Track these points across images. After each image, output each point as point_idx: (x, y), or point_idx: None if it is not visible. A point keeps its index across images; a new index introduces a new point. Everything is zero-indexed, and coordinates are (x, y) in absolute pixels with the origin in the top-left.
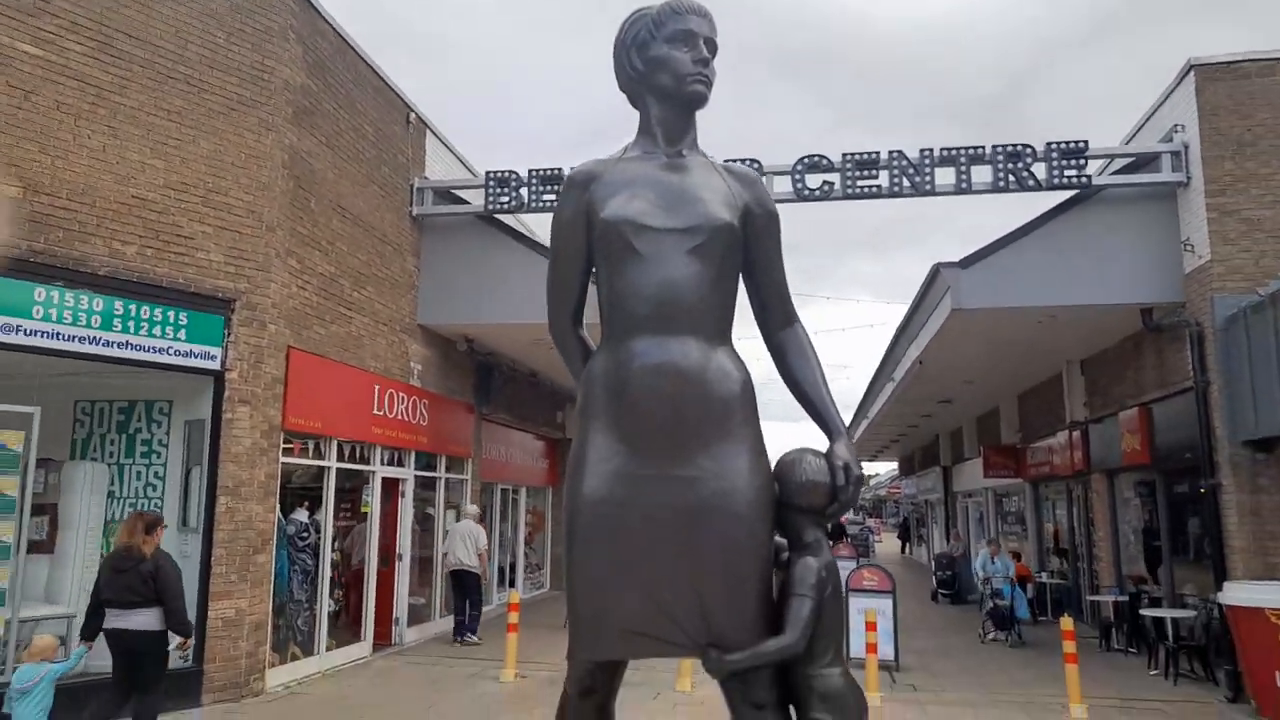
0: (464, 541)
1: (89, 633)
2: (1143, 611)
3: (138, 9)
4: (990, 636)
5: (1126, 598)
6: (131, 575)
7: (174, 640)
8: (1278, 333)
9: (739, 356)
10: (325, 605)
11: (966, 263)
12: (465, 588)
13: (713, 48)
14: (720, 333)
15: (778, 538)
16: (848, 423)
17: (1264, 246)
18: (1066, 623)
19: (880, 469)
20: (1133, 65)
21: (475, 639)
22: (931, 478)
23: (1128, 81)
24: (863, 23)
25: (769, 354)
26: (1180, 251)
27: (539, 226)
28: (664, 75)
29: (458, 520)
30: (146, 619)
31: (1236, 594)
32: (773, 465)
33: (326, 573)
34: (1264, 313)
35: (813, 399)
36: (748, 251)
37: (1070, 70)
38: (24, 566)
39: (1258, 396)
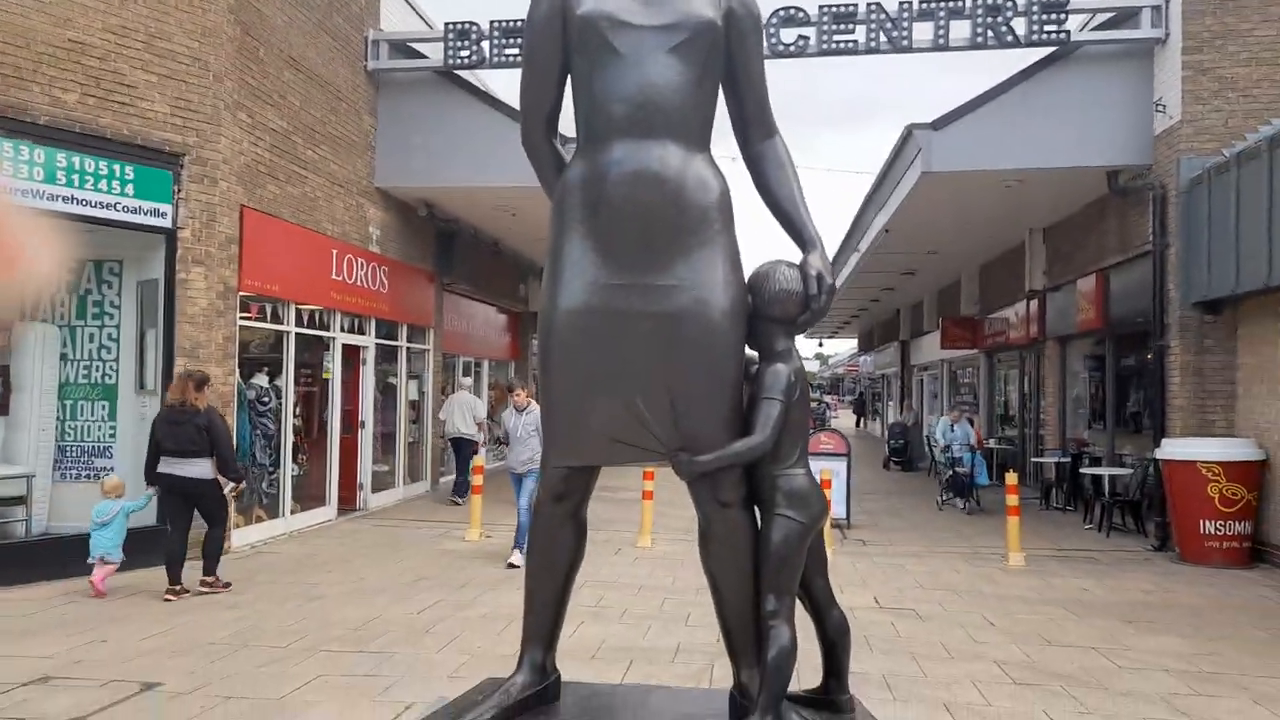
0: (461, 411)
1: (153, 478)
2: (1083, 470)
3: None
4: (948, 502)
5: (1069, 459)
6: (187, 427)
7: (227, 485)
8: (1239, 193)
9: (716, 165)
10: (289, 469)
11: (939, 124)
12: (463, 454)
13: None
14: (700, 139)
15: (749, 350)
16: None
17: (1235, 106)
18: (1011, 478)
19: (840, 347)
20: None
21: (460, 501)
22: (889, 352)
23: None
24: None
25: (745, 166)
26: (1152, 112)
27: (501, 84)
28: None
29: (453, 393)
30: (201, 468)
31: (1173, 449)
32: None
33: (289, 438)
34: (1227, 174)
35: (788, 210)
36: (729, 56)
37: None
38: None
39: (1212, 257)
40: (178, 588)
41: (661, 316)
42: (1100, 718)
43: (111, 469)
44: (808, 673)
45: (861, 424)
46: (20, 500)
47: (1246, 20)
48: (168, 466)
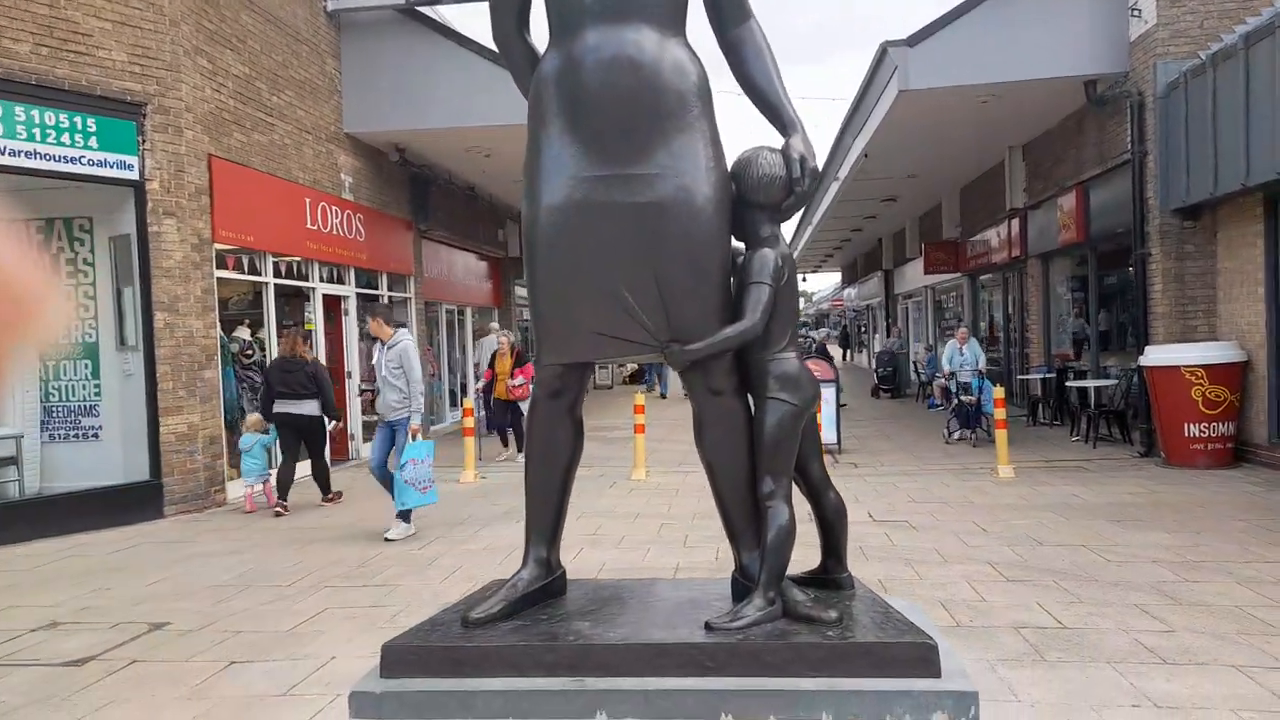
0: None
1: (269, 416)
2: (1068, 383)
3: None
4: (956, 436)
5: (1054, 374)
6: (299, 374)
7: (330, 422)
8: (1215, 94)
9: (693, 49)
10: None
11: (914, 40)
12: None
13: None
14: (674, 21)
15: (735, 243)
16: (792, 232)
17: (1210, 7)
18: (998, 392)
19: (823, 283)
20: None
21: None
22: (873, 283)
23: None
24: None
25: (721, 51)
26: (1127, 18)
27: (467, 22)
28: None
29: (484, 336)
30: (311, 407)
31: (1156, 355)
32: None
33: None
34: (1203, 76)
35: (767, 94)
36: None
37: None
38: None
39: (1191, 163)
40: (286, 503)
41: (644, 206)
42: (1092, 605)
43: (100, 427)
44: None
45: (848, 356)
46: (12, 461)
47: None
48: (283, 406)
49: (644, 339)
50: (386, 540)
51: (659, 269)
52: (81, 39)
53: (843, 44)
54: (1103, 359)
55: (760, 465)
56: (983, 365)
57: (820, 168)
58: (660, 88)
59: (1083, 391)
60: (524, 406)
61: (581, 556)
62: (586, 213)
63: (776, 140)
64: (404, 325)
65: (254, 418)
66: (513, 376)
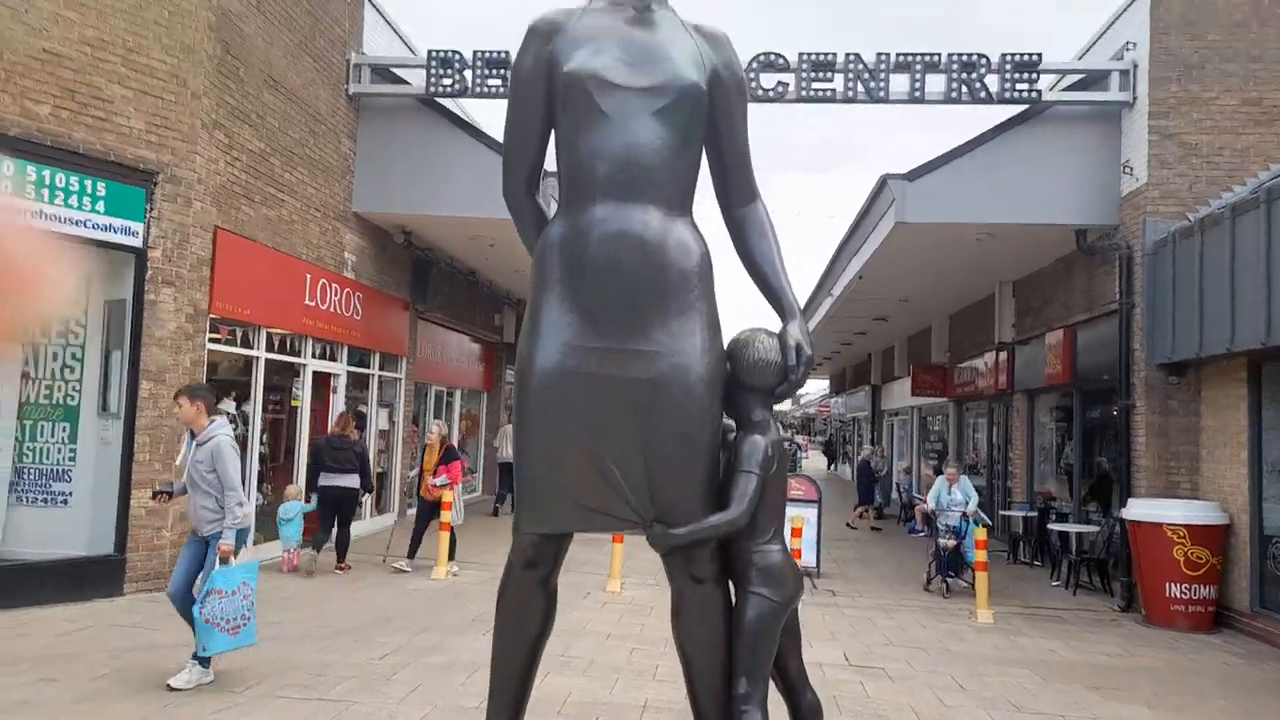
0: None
1: (313, 487)
2: (1050, 526)
3: None
4: (938, 582)
5: (1036, 513)
6: (346, 452)
7: (364, 495)
8: (1202, 258)
9: (698, 229)
10: (253, 498)
11: (913, 175)
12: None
13: None
14: (682, 202)
15: (726, 419)
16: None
17: (1199, 172)
18: (980, 534)
19: (810, 388)
20: None
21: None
22: (861, 396)
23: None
24: None
25: (726, 229)
26: (1119, 174)
27: (483, 114)
28: None
29: (508, 422)
30: (352, 480)
31: (1139, 510)
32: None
33: (255, 465)
34: (1191, 238)
35: (768, 277)
36: (713, 118)
37: None
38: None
39: (1177, 320)
40: (346, 563)
41: (639, 382)
42: None
43: (70, 494)
44: None
45: (832, 467)
46: None
47: (1209, 89)
48: (328, 480)
49: (628, 515)
50: (169, 689)
51: (648, 446)
52: (102, 105)
53: (843, 159)
54: (1085, 502)
55: (738, 664)
56: (972, 507)
57: (812, 354)
58: (663, 265)
59: (1064, 535)
60: (448, 515)
61: (548, 682)
62: (580, 383)
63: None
64: (223, 414)
65: (294, 488)
66: (434, 474)
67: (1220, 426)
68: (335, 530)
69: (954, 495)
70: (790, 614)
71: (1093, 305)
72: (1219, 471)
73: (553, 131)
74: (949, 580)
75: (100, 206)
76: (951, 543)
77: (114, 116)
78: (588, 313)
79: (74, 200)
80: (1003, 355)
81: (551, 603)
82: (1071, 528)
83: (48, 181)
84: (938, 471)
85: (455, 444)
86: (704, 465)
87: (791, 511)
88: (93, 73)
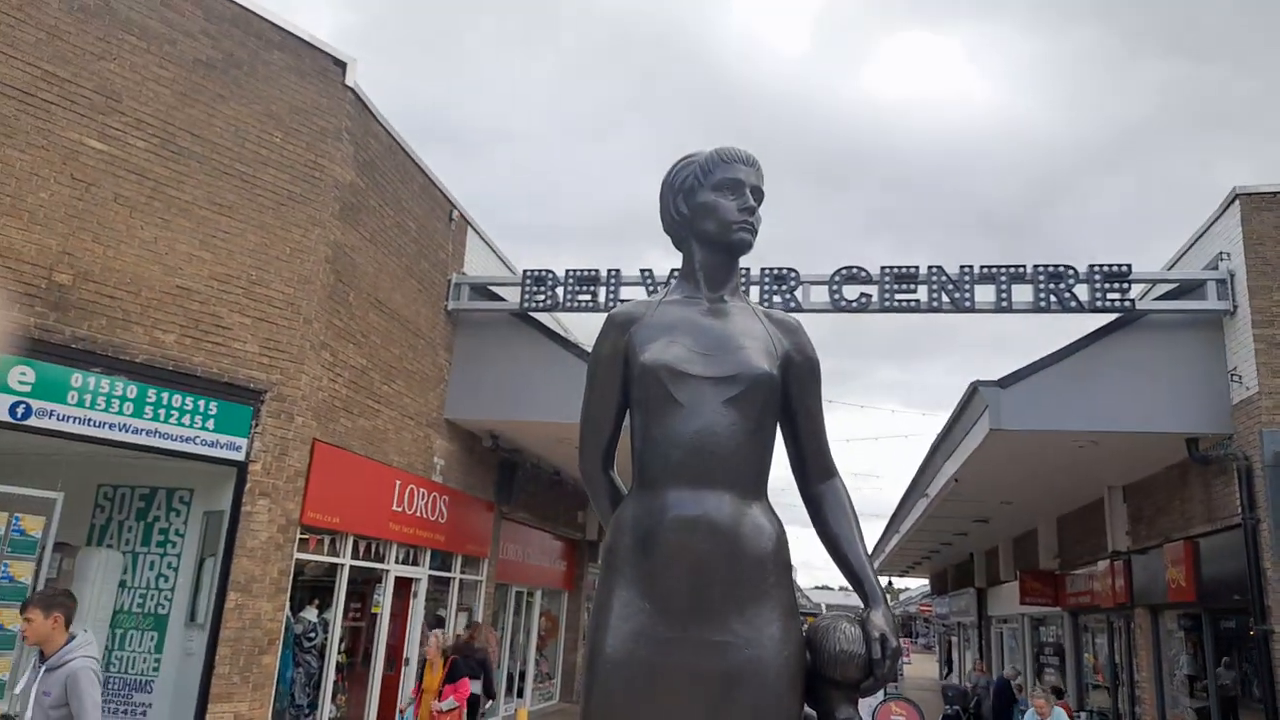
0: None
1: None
2: None
3: (201, 108)
4: None
5: None
6: (471, 659)
7: (486, 702)
8: None
9: (774, 511)
10: (327, 711)
11: (1005, 382)
12: None
13: (759, 196)
14: (756, 486)
15: (807, 709)
16: (878, 537)
17: None
18: None
19: (911, 585)
20: (1151, 186)
21: None
22: (965, 599)
23: (1146, 202)
24: (890, 136)
25: (804, 505)
26: (1227, 381)
27: (572, 325)
28: (709, 222)
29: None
30: (475, 686)
31: None
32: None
33: (331, 675)
34: None
35: (850, 560)
36: (787, 401)
37: (1089, 187)
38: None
39: None
40: None
41: (713, 675)
42: None
43: (150, 705)
44: None
45: (946, 674)
46: None
47: None
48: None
49: None
50: None
51: None
52: (222, 332)
53: (930, 347)
54: None
55: None
56: None
57: (898, 645)
58: (738, 552)
59: None
60: None
61: None
62: (650, 673)
63: None
64: (86, 631)
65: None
66: (440, 697)
67: None
68: None
69: None
70: None
71: (1213, 517)
72: None
73: (629, 413)
74: None
75: (210, 424)
76: None
77: (231, 341)
78: (658, 599)
79: (186, 419)
80: (1118, 564)
81: None
82: None
83: (164, 402)
84: (1059, 694)
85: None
86: None
87: None
88: (217, 304)
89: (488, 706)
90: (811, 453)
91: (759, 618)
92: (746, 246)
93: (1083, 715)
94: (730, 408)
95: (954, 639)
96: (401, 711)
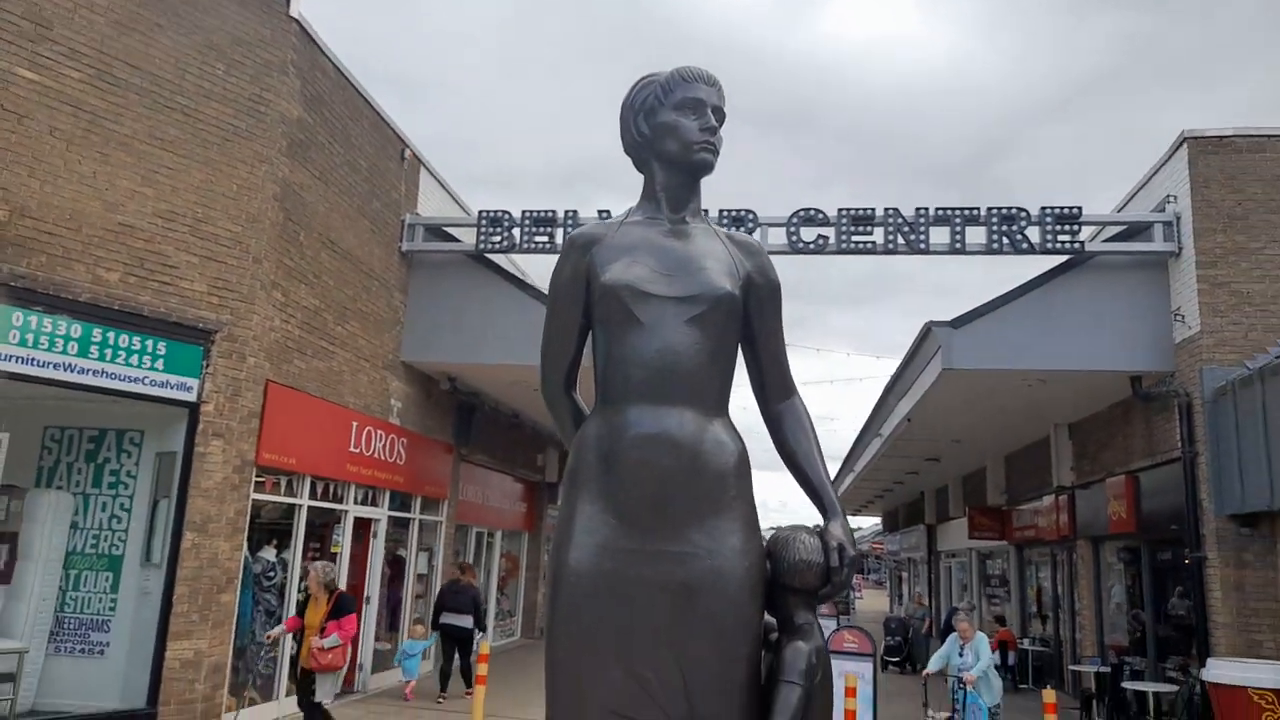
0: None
1: (436, 626)
2: (1125, 685)
3: (138, 38)
4: None
5: (1109, 669)
6: (464, 595)
7: (478, 633)
8: (1265, 407)
9: (735, 428)
10: (287, 647)
11: (958, 323)
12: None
13: (720, 116)
14: (718, 404)
15: (767, 617)
16: (833, 476)
17: (1253, 320)
18: (1049, 695)
19: (864, 523)
20: (1099, 132)
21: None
22: (915, 535)
23: (1096, 148)
24: (841, 88)
25: (764, 425)
26: (1170, 321)
27: (529, 267)
28: (671, 142)
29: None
30: (467, 620)
31: (1219, 671)
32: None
33: (291, 613)
34: (1252, 387)
35: (809, 475)
36: (748, 322)
37: (1039, 135)
38: None
39: (1244, 470)
40: (445, 693)
41: (675, 585)
42: None
43: (108, 644)
44: None
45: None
46: (10, 678)
47: (1256, 239)
48: (448, 619)
49: None
50: None
51: (684, 652)
52: (168, 270)
53: (885, 292)
54: (1161, 659)
55: None
56: (978, 670)
57: (855, 554)
58: (698, 466)
59: (1140, 693)
60: (331, 682)
61: None
62: (613, 584)
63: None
64: None
65: (420, 628)
66: (322, 633)
67: None
68: (457, 661)
69: (964, 659)
70: None
71: (1154, 452)
72: None
73: (590, 335)
74: None
75: (159, 365)
76: (943, 716)
77: (179, 280)
78: (621, 513)
79: (134, 359)
80: (1063, 499)
81: None
82: (1148, 686)
83: (111, 342)
84: (1001, 621)
85: (497, 585)
86: (744, 671)
87: (846, 667)
88: (162, 242)
89: (479, 638)
90: (772, 372)
91: (719, 529)
92: (708, 167)
93: (1025, 642)
94: (692, 327)
95: (904, 574)
96: (269, 639)
